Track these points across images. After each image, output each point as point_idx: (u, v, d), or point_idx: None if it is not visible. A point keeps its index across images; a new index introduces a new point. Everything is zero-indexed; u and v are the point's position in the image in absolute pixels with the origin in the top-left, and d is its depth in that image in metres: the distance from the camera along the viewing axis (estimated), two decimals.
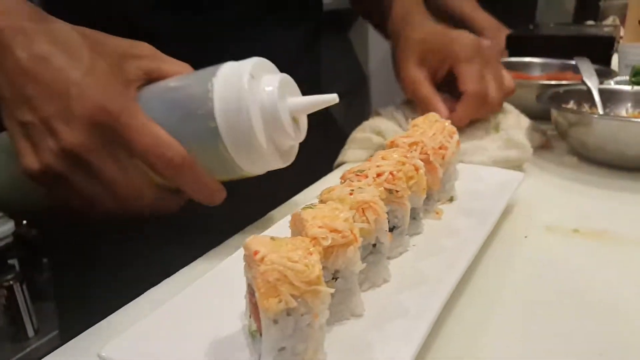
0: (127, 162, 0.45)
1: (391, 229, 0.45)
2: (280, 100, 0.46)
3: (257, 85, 0.45)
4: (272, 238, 0.33)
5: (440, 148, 0.53)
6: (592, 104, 0.81)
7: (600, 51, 1.08)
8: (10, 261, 1.92)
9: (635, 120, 0.71)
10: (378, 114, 0.76)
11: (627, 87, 0.84)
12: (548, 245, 0.52)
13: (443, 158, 0.53)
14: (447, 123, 0.57)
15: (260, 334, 0.32)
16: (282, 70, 0.50)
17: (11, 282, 1.88)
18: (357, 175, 0.44)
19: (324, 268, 0.35)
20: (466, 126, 0.70)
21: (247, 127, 0.44)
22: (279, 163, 0.50)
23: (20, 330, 1.95)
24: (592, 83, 0.83)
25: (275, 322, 0.31)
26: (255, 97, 0.45)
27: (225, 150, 0.45)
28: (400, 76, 0.72)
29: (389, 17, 0.80)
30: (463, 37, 0.69)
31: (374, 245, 0.40)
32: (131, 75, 0.47)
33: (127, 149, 0.44)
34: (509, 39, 1.17)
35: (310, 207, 0.37)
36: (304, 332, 0.31)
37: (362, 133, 0.73)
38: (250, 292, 0.34)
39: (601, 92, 0.82)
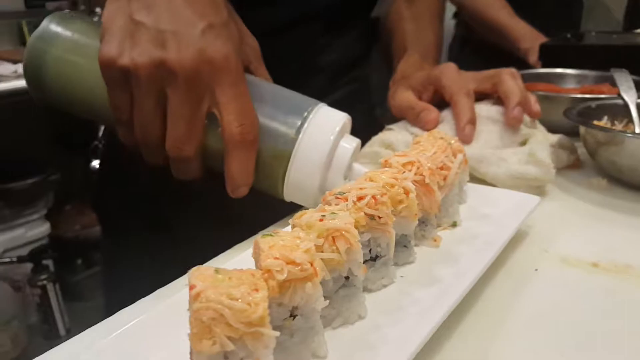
0: (201, 111, 0.46)
1: (374, 259, 0.41)
2: (350, 160, 0.52)
3: (340, 137, 0.52)
4: (217, 270, 0.30)
5: (441, 168, 0.49)
6: (629, 120, 0.74)
7: None
8: (45, 262, 1.99)
9: None
10: (389, 129, 0.72)
11: None
12: (560, 281, 0.46)
13: (445, 179, 0.49)
14: (454, 141, 0.52)
15: None
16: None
17: (45, 282, 1.95)
18: (338, 197, 0.40)
19: (280, 304, 0.32)
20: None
21: (317, 157, 0.49)
22: (309, 202, 0.52)
23: (53, 328, 2.01)
24: (630, 97, 0.75)
25: None
26: (335, 146, 0.51)
27: (288, 161, 0.49)
28: (391, 104, 0.75)
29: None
30: (444, 65, 0.72)
31: (347, 277, 0.36)
32: (243, 54, 0.52)
33: (216, 100, 0.46)
34: (542, 48, 1.09)
35: (270, 235, 0.33)
36: None
37: (370, 148, 0.69)
38: None
39: None
